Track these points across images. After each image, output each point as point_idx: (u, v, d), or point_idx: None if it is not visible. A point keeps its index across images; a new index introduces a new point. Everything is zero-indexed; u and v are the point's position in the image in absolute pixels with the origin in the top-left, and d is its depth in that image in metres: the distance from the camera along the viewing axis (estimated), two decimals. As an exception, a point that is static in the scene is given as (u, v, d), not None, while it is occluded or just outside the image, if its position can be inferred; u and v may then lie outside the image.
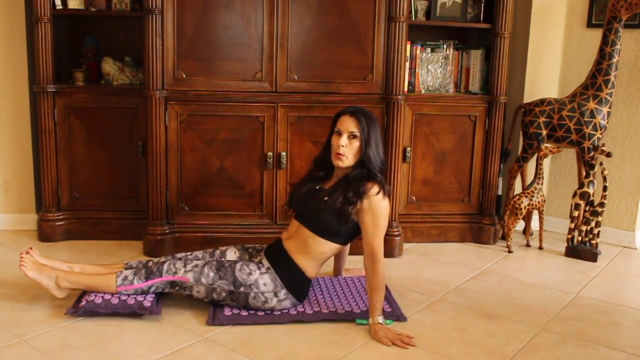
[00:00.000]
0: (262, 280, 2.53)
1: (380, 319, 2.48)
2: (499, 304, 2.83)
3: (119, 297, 2.55)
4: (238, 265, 2.56)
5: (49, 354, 2.23)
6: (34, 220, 3.57)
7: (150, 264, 2.62)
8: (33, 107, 3.51)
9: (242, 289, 2.52)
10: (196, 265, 2.56)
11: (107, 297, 2.55)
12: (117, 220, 3.51)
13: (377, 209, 2.52)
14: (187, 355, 2.28)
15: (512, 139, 3.81)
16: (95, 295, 2.55)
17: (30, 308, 2.59)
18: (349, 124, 2.55)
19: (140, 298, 2.55)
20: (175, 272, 2.55)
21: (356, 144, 2.54)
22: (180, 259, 2.68)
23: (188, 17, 3.16)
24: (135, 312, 2.51)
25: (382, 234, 2.55)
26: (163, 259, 2.65)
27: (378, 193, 2.52)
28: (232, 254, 2.76)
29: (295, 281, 2.58)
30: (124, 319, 2.51)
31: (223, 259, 2.68)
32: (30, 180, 3.64)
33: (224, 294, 2.54)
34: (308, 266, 2.59)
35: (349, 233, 2.59)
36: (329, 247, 2.59)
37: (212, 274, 2.54)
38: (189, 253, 2.76)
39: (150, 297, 2.57)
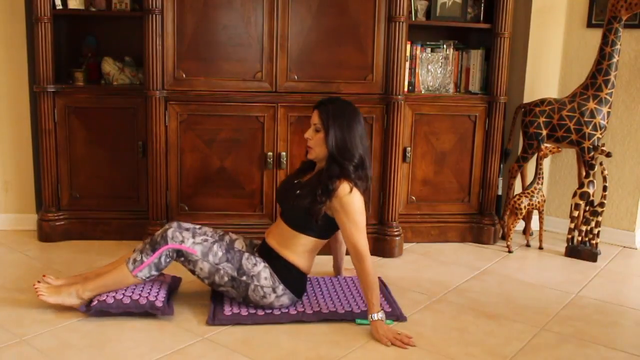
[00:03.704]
0: (263, 274, 2.54)
1: (380, 315, 2.46)
2: (499, 304, 2.83)
3: (130, 297, 2.53)
4: (246, 254, 2.56)
5: (49, 354, 2.23)
6: (34, 220, 3.57)
7: (152, 237, 2.54)
8: (33, 107, 3.51)
9: (244, 277, 2.51)
10: (206, 240, 2.54)
11: (119, 297, 2.52)
12: (117, 220, 3.51)
13: (349, 207, 2.48)
14: (187, 355, 2.28)
15: (512, 139, 3.81)
16: (107, 295, 2.52)
17: (30, 308, 2.59)
18: (313, 116, 2.56)
19: (152, 298, 2.52)
20: (182, 241, 2.49)
21: (319, 136, 2.53)
22: (187, 229, 2.66)
23: (188, 17, 3.16)
24: (147, 312, 2.50)
25: (362, 231, 2.51)
26: (166, 227, 2.58)
27: (349, 192, 2.47)
28: (239, 246, 2.77)
29: (290, 276, 2.58)
30: (124, 319, 2.51)
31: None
32: (30, 180, 3.64)
33: (226, 279, 2.51)
34: (297, 260, 2.59)
35: (323, 228, 2.58)
36: (306, 240, 2.58)
37: (220, 254, 2.51)
38: (197, 226, 2.75)
39: (162, 297, 2.56)
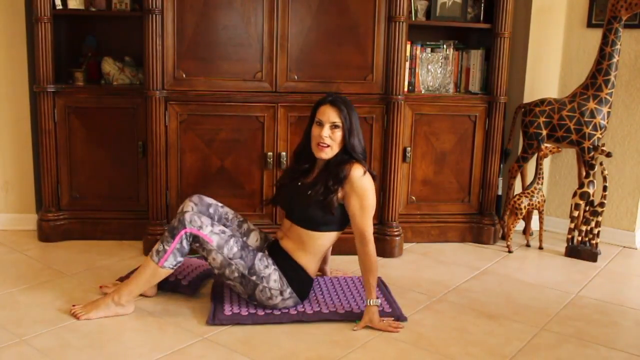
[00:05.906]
0: (273, 277, 2.54)
1: (378, 302, 2.52)
2: (499, 304, 2.83)
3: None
4: (259, 255, 2.56)
5: (49, 354, 2.23)
6: (34, 220, 3.57)
7: (169, 225, 2.54)
8: (33, 107, 3.51)
9: (254, 277, 2.51)
10: (224, 232, 2.52)
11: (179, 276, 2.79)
12: (117, 220, 3.51)
13: (361, 190, 2.51)
14: (187, 355, 2.28)
15: (512, 139, 3.81)
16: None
17: (30, 308, 2.59)
18: (330, 114, 2.52)
19: (180, 277, 2.77)
20: (201, 227, 2.47)
21: (339, 133, 2.53)
22: (202, 214, 2.68)
23: (188, 17, 3.16)
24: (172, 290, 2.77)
25: (370, 215, 2.54)
26: (180, 214, 2.56)
27: (362, 174, 2.51)
28: (254, 239, 2.78)
29: (297, 278, 2.58)
30: (124, 319, 2.51)
31: (247, 240, 2.74)
32: (30, 180, 3.63)
33: (236, 274, 2.51)
34: (309, 262, 2.60)
35: (340, 219, 2.59)
36: (325, 237, 2.60)
37: (235, 249, 2.50)
38: (220, 205, 2.78)
39: (190, 278, 2.80)
